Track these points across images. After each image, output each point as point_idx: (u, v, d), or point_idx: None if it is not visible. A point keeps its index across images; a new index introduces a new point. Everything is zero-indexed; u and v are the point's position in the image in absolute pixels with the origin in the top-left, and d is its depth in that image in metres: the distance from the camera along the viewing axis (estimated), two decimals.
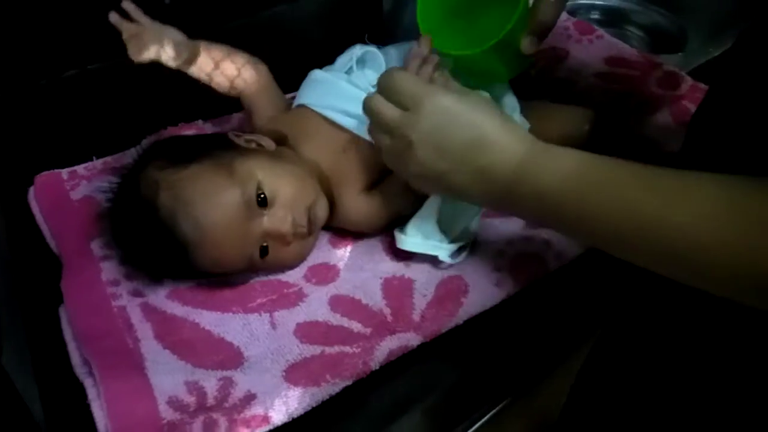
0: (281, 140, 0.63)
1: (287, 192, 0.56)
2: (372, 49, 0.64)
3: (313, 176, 0.60)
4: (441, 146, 0.47)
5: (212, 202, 0.53)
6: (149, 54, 0.62)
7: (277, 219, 0.55)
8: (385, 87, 0.50)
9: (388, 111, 0.49)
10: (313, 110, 0.62)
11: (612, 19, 0.99)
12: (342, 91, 0.62)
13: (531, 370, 0.65)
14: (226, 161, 0.55)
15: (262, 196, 0.54)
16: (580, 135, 0.65)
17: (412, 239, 0.57)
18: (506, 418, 0.72)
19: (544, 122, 0.62)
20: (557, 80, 0.78)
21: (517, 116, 0.63)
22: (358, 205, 0.60)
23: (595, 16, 1.00)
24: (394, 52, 0.66)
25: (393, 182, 0.60)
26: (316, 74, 0.64)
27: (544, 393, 0.78)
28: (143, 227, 0.54)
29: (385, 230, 0.62)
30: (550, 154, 0.45)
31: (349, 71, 0.64)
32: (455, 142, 0.47)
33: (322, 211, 0.58)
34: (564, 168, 0.43)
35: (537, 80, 0.76)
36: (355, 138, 0.61)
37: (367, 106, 0.51)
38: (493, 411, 0.67)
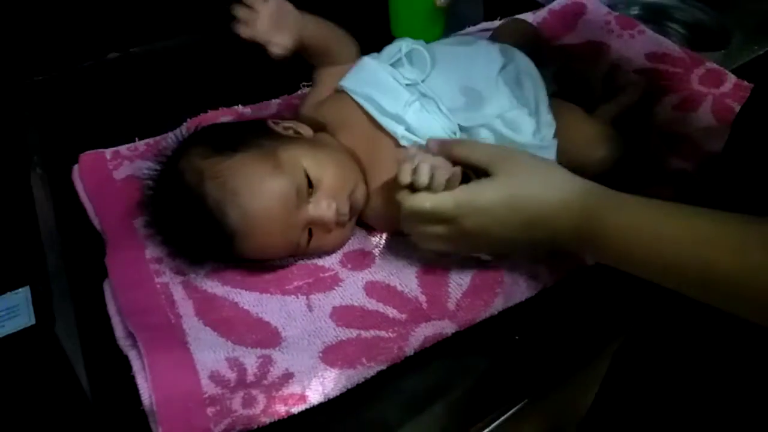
0: (320, 127, 0.63)
1: (331, 179, 0.56)
2: (418, 47, 0.63)
3: (353, 162, 0.60)
4: (498, 239, 0.50)
5: (260, 192, 0.53)
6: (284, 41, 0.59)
7: (321, 207, 0.56)
8: (414, 216, 0.52)
9: (432, 230, 0.52)
10: (351, 98, 0.62)
11: (652, 15, 0.98)
12: (382, 82, 0.61)
13: (557, 368, 0.65)
14: (270, 150, 0.56)
15: (309, 183, 0.55)
16: (592, 162, 0.62)
17: None
18: (523, 419, 0.72)
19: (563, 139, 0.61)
20: (598, 75, 0.77)
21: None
22: (377, 205, 0.60)
23: (635, 11, 0.98)
24: (438, 49, 0.65)
25: None
26: (364, 60, 0.63)
27: (561, 397, 0.78)
28: (188, 216, 0.54)
29: None
30: (604, 209, 0.47)
31: (395, 64, 0.62)
32: (510, 233, 0.50)
33: (361, 196, 0.59)
34: (623, 223, 0.45)
35: (576, 77, 0.76)
36: (385, 136, 0.59)
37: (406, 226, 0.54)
38: (511, 411, 0.67)
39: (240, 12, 0.57)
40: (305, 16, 0.61)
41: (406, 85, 0.60)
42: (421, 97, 0.59)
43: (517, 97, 0.61)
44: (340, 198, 0.56)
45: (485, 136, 0.59)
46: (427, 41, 0.66)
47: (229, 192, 0.53)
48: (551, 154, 0.59)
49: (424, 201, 0.50)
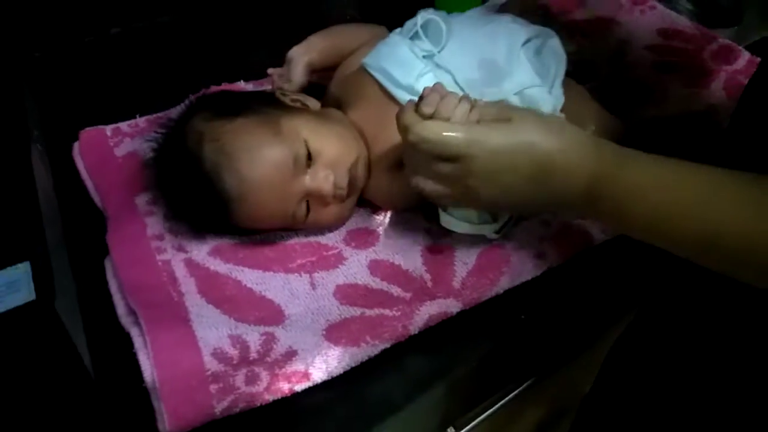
0: (335, 102, 0.63)
1: (330, 152, 0.55)
2: (433, 17, 0.61)
3: (356, 136, 0.59)
4: (505, 187, 0.47)
5: (257, 157, 0.53)
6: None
7: (319, 178, 0.55)
8: (421, 146, 0.47)
9: (435, 167, 0.47)
10: (369, 73, 0.60)
11: None
12: (398, 55, 0.59)
13: (563, 348, 0.65)
14: (273, 118, 0.55)
15: (308, 154, 0.54)
16: None
17: (457, 221, 0.56)
18: (528, 399, 0.72)
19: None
20: (606, 51, 0.75)
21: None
22: (381, 181, 0.60)
23: None
24: (458, 20, 0.63)
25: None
26: (389, 35, 0.62)
27: (565, 378, 0.78)
28: (186, 177, 0.54)
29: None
30: (617, 168, 0.45)
31: (414, 36, 0.60)
32: (519, 182, 0.46)
33: (362, 172, 0.58)
34: (635, 183, 0.44)
35: (586, 53, 0.74)
36: (397, 108, 0.58)
37: (408, 163, 0.50)
38: (515, 392, 0.67)
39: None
40: (309, 41, 0.65)
41: (423, 57, 0.58)
42: (435, 68, 0.58)
43: (539, 73, 0.59)
44: (339, 171, 0.56)
45: None
46: None
47: (227, 155, 0.53)
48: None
49: (436, 129, 0.46)
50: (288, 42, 0.66)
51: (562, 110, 0.59)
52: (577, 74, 0.66)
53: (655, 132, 0.66)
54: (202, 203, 0.54)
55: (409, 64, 0.58)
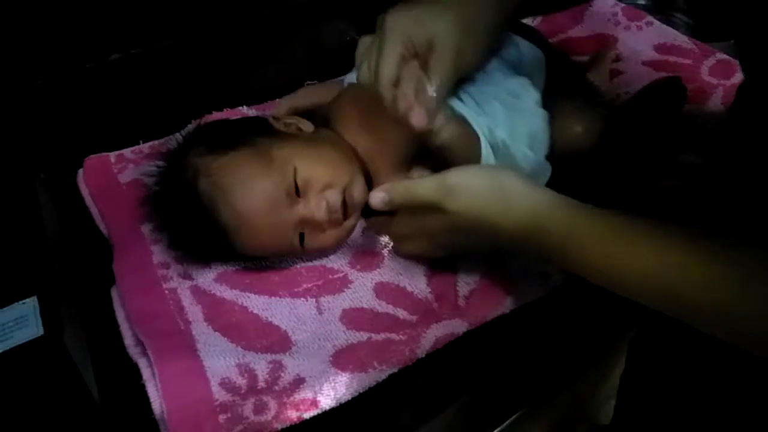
0: (325, 122, 0.63)
1: (321, 177, 0.56)
2: None
3: (350, 157, 0.59)
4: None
5: (249, 190, 0.54)
6: None
7: (311, 206, 0.55)
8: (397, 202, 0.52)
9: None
10: (353, 87, 0.62)
11: (659, 5, 0.97)
12: None
13: (568, 368, 0.65)
14: (265, 148, 0.56)
15: (298, 183, 0.55)
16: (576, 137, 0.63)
17: None
18: (532, 420, 0.71)
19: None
20: (600, 73, 0.76)
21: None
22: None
23: (642, 1, 0.97)
24: None
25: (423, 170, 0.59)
26: None
27: (570, 397, 0.78)
28: (186, 213, 0.55)
29: None
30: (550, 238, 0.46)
31: None
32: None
33: (358, 193, 0.57)
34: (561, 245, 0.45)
35: (582, 70, 0.75)
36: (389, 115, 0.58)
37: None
38: (520, 412, 0.67)
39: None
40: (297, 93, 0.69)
41: None
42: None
43: (516, 70, 0.61)
44: (331, 196, 0.56)
45: (496, 107, 0.58)
46: None
47: (220, 190, 0.54)
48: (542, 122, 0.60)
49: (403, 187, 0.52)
50: (289, 66, 0.67)
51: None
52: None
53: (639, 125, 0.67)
54: (204, 236, 0.55)
55: None
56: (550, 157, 0.61)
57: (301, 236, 0.56)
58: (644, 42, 0.78)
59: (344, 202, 0.56)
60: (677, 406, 0.55)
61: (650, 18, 0.82)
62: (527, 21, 0.84)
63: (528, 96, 0.60)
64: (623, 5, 0.85)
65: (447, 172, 0.50)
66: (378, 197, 0.52)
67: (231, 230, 0.54)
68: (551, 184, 0.51)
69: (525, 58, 0.64)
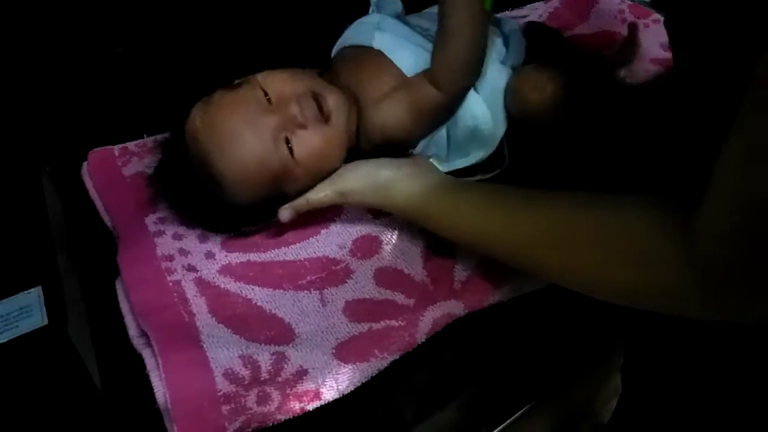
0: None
1: (287, 84, 0.58)
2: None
3: (311, 75, 0.61)
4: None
5: (226, 113, 0.56)
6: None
7: (282, 106, 0.56)
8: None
9: None
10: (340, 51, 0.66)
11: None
12: (363, 28, 0.65)
13: (572, 364, 0.65)
14: (238, 84, 0.59)
15: (267, 92, 0.56)
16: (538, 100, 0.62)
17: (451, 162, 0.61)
18: (535, 417, 0.71)
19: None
20: (610, 65, 0.76)
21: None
22: (374, 118, 0.61)
23: None
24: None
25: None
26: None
27: (574, 393, 0.78)
28: (183, 170, 0.58)
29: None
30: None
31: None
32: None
33: (332, 100, 0.58)
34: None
35: (592, 64, 0.74)
36: (372, 51, 0.62)
37: None
38: (524, 408, 0.67)
39: None
40: None
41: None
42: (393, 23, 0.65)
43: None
44: (301, 98, 0.56)
45: None
46: None
47: (203, 121, 0.57)
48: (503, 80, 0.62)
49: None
50: (292, 59, 0.66)
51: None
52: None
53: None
54: (201, 188, 0.57)
55: (365, 23, 0.66)
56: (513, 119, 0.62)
57: (287, 141, 0.56)
58: (651, 40, 0.78)
59: (320, 108, 0.57)
60: (677, 405, 0.54)
61: (657, 15, 0.81)
62: (534, 18, 0.84)
63: (495, 52, 0.62)
64: (630, 2, 0.84)
65: (336, 177, 0.59)
66: (285, 213, 0.58)
67: (215, 152, 0.55)
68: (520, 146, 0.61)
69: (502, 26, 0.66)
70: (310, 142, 0.56)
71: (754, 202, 0.33)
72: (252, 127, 0.55)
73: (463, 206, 0.54)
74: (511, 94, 0.61)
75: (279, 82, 0.58)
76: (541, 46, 0.66)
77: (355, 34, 0.66)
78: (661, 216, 0.40)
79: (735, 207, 0.34)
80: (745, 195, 0.33)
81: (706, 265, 0.36)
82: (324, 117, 0.57)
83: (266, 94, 0.57)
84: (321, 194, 0.58)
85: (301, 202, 0.59)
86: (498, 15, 0.85)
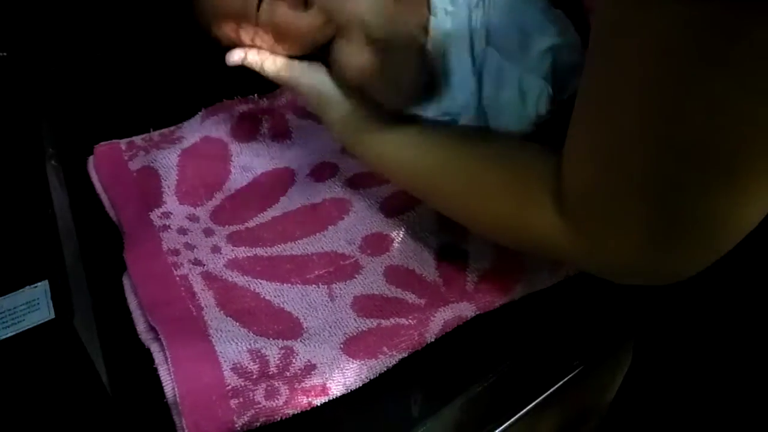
0: None
1: None
2: None
3: None
4: None
5: None
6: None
7: None
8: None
9: None
10: None
11: None
12: None
13: (581, 358, 0.64)
14: None
15: None
16: None
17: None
18: (542, 412, 0.71)
19: None
20: None
21: None
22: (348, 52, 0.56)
23: None
24: None
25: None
26: None
27: (582, 389, 0.77)
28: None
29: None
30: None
31: None
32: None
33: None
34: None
35: None
36: None
37: None
38: (531, 405, 0.66)
39: None
40: None
41: None
42: None
43: None
44: None
45: None
46: None
47: None
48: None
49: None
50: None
51: None
52: None
53: None
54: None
55: None
56: None
57: (260, 7, 0.54)
58: None
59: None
60: (679, 406, 0.54)
61: None
62: None
63: None
64: None
65: (296, 65, 0.58)
66: (234, 56, 0.59)
67: None
68: None
69: None
70: (279, 15, 0.54)
71: (597, 149, 0.35)
72: None
73: (396, 135, 0.53)
74: None
75: None
76: None
77: None
78: (548, 163, 0.41)
79: (583, 156, 0.36)
80: (591, 145, 0.35)
81: (572, 216, 0.38)
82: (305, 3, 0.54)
83: None
84: (274, 68, 0.58)
85: (254, 60, 0.58)
86: None
